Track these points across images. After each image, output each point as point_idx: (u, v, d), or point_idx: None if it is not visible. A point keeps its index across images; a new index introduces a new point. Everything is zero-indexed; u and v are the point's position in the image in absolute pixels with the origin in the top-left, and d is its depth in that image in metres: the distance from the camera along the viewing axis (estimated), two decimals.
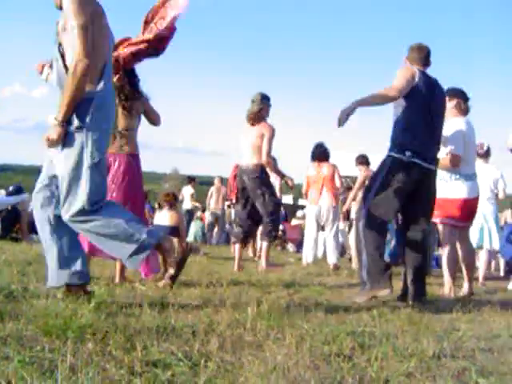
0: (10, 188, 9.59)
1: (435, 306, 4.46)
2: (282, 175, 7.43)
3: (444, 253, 5.70)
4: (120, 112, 4.62)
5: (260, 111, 6.78)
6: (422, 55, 4.88)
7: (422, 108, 4.64)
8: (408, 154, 4.56)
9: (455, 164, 5.42)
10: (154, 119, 4.92)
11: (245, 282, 5.27)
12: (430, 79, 4.80)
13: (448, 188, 5.52)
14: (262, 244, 7.09)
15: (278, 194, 10.87)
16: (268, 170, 6.88)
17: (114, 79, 4.65)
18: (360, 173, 8.88)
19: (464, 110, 5.63)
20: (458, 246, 5.71)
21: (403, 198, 4.64)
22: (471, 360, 2.70)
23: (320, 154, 8.77)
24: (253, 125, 6.80)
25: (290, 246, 14.73)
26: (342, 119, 4.31)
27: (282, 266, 7.07)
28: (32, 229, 11.52)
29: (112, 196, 4.62)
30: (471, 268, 5.82)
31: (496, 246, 7.71)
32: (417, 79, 4.62)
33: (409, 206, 4.73)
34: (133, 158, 4.72)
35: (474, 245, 7.24)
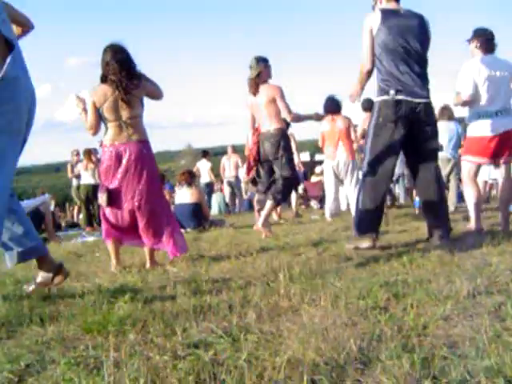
0: None
1: (464, 243, 4.46)
2: (310, 117, 7.17)
3: (465, 190, 5.74)
4: (121, 104, 4.62)
5: (259, 75, 6.66)
6: None
7: (394, 48, 4.63)
8: (392, 92, 4.62)
9: (460, 104, 5.54)
10: (156, 96, 4.88)
11: (274, 248, 5.31)
12: (399, 15, 4.72)
13: (470, 126, 5.58)
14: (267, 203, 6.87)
15: (295, 153, 10.85)
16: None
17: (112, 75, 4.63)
18: (362, 120, 8.73)
19: (484, 48, 5.49)
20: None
21: (400, 139, 4.68)
22: (506, 294, 2.71)
23: (332, 106, 8.71)
24: (254, 93, 6.69)
25: (314, 203, 14.78)
26: (354, 99, 4.99)
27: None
28: (57, 227, 11.71)
29: (128, 185, 4.67)
30: (506, 205, 5.64)
31: None
32: (377, 26, 4.64)
33: (411, 146, 4.78)
34: (142, 145, 4.72)
35: None
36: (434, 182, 4.77)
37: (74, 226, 14.20)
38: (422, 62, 4.77)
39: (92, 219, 12.63)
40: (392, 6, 4.78)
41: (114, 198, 4.70)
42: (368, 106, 8.60)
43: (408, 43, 4.64)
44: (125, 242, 4.99)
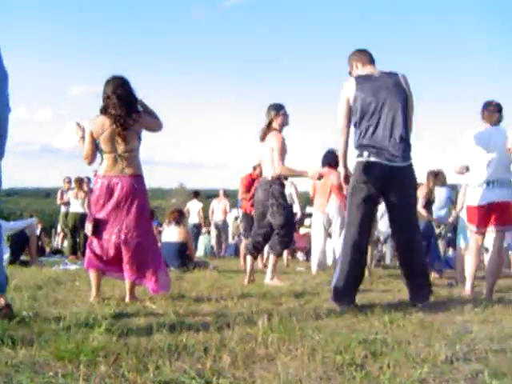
0: None
1: (447, 308, 4.44)
2: (302, 173, 6.95)
3: (466, 256, 6.26)
4: (117, 138, 4.64)
5: (270, 124, 6.66)
6: (363, 56, 4.92)
7: (370, 112, 4.61)
8: (365, 153, 4.62)
9: (456, 172, 5.87)
10: (154, 129, 4.91)
11: (255, 295, 5.26)
12: (373, 79, 4.72)
13: (466, 195, 5.96)
14: (269, 256, 6.88)
15: (296, 201, 10.92)
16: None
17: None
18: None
19: (488, 119, 5.66)
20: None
21: (373, 200, 4.72)
22: (484, 362, 2.69)
23: (331, 160, 8.71)
24: (262, 141, 6.72)
25: (300, 255, 14.73)
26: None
27: (288, 282, 6.80)
28: (41, 252, 11.61)
29: (117, 217, 4.66)
30: (492, 275, 5.66)
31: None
32: (353, 94, 4.66)
33: (387, 208, 4.81)
34: (135, 180, 4.72)
35: None
36: (408, 246, 4.76)
37: (57, 252, 14.11)
38: (401, 122, 4.63)
39: (76, 248, 12.53)
40: (367, 70, 4.80)
41: (100, 229, 4.69)
42: None
43: (384, 106, 4.60)
44: (107, 273, 4.95)
